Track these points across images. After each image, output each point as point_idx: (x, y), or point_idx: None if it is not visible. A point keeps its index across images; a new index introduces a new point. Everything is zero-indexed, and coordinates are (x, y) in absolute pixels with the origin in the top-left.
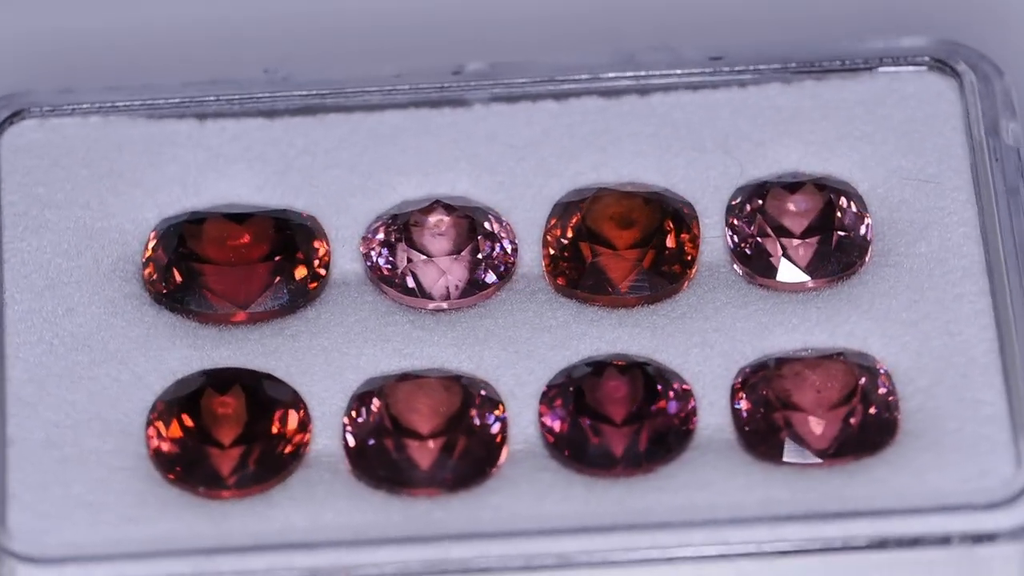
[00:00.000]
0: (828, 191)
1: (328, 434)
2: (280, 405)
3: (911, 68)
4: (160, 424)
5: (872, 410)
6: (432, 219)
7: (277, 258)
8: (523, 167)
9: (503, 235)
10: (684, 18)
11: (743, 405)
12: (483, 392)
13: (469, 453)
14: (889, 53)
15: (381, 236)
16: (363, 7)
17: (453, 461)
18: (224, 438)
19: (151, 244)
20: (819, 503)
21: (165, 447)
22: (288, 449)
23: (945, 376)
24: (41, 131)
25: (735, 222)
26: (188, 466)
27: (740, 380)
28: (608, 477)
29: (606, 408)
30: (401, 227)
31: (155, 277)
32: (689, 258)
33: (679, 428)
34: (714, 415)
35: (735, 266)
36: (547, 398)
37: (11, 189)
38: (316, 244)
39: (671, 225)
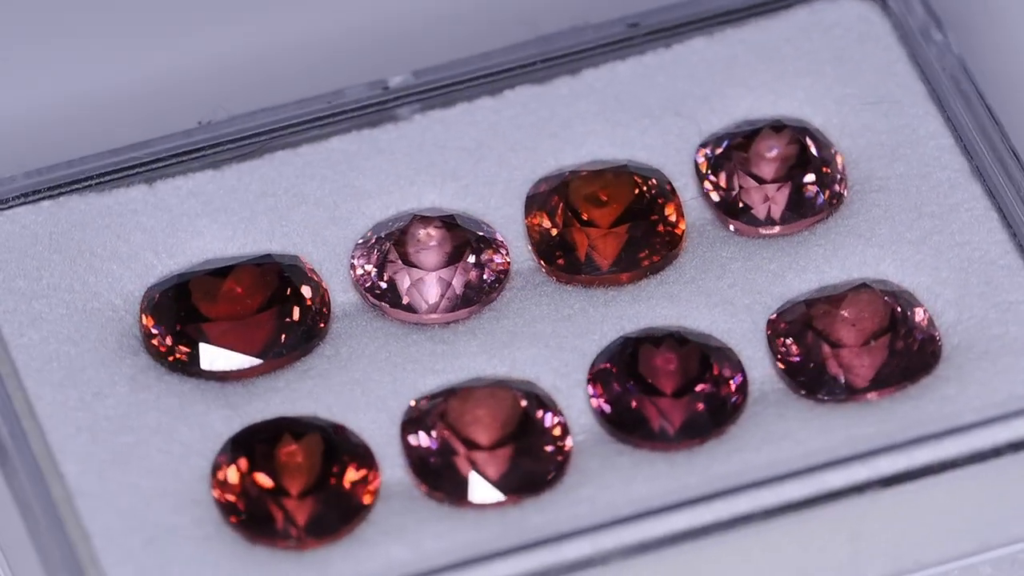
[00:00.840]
0: (792, 131)
1: (388, 463)
2: (347, 452)
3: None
4: (227, 478)
5: (913, 332)
6: (421, 233)
7: (278, 304)
8: (483, 167)
9: (492, 237)
10: None
11: (784, 352)
12: (537, 393)
13: (538, 455)
14: None
15: (370, 260)
16: (273, 43)
17: (524, 465)
18: (293, 488)
19: (145, 318)
20: (898, 432)
21: (233, 500)
22: (358, 496)
23: (970, 285)
24: None
25: (713, 179)
26: (256, 519)
27: (772, 330)
28: (673, 449)
29: (659, 381)
30: (389, 247)
31: (163, 349)
32: (677, 223)
33: (733, 393)
34: (755, 368)
35: (728, 223)
36: (596, 381)
37: None
38: (311, 282)
39: (650, 194)
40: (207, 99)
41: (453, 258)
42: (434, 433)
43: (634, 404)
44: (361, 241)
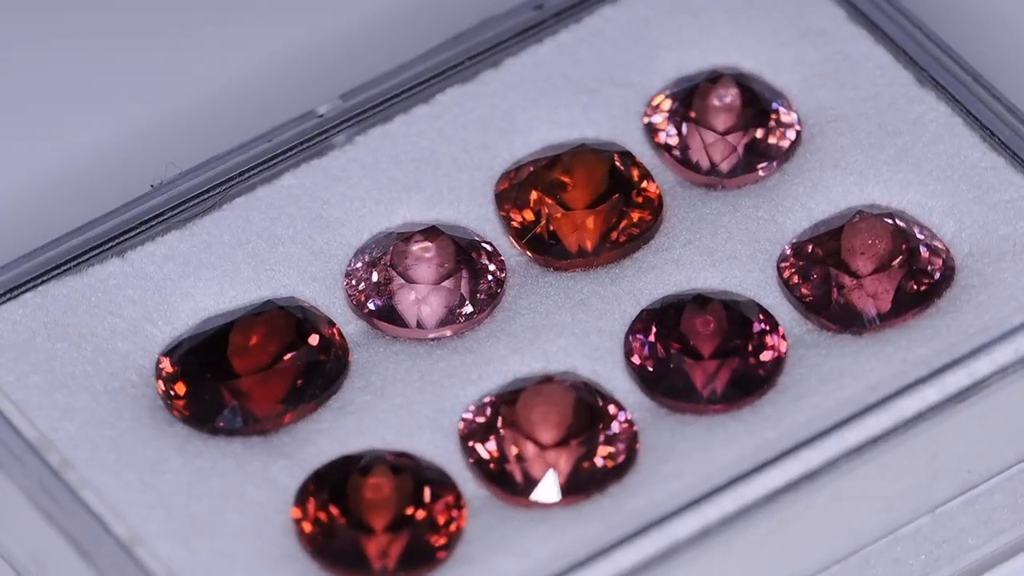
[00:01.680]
0: (733, 79)
1: (459, 477)
2: (430, 484)
3: None
4: (310, 512)
5: (921, 248)
6: (414, 248)
7: (296, 347)
8: (442, 174)
9: (481, 240)
10: None
11: (805, 294)
12: (584, 381)
13: (609, 441)
14: None
15: (367, 285)
16: (194, 94)
17: (598, 453)
18: (376, 523)
19: (165, 387)
20: (951, 347)
21: (315, 535)
22: (443, 529)
23: (960, 192)
24: None
25: (669, 138)
26: (347, 558)
27: (786, 275)
28: (724, 411)
29: (699, 343)
30: (384, 268)
31: (196, 418)
32: (650, 188)
33: (776, 345)
34: (780, 315)
35: (697, 179)
36: (636, 347)
37: (12, 389)
38: (321, 318)
39: (616, 166)
40: (150, 160)
41: (452, 268)
42: (499, 440)
43: (674, 367)
44: (350, 269)
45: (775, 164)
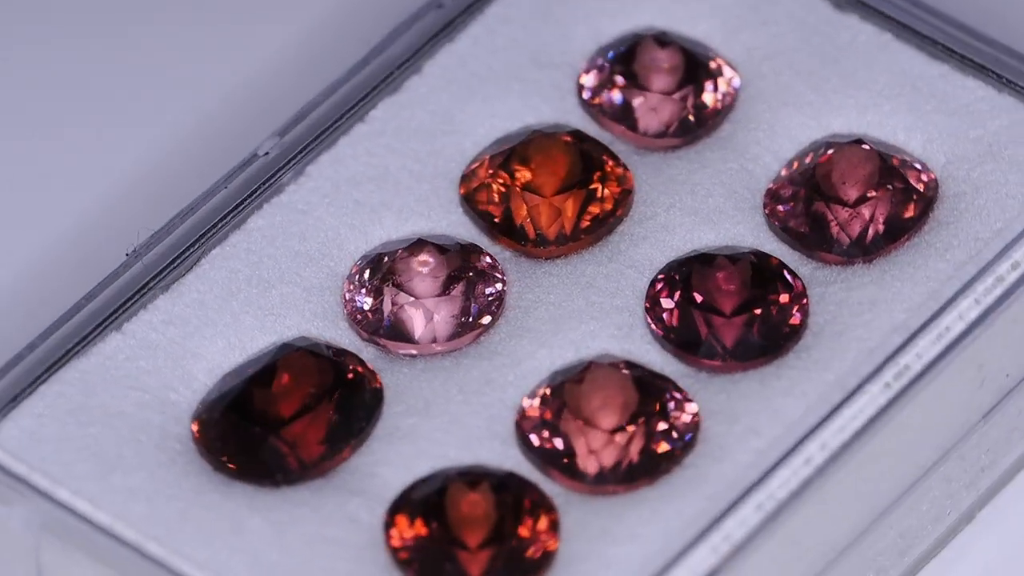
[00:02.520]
0: (657, 38)
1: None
2: (528, 502)
3: None
4: (402, 527)
5: (903, 168)
6: (412, 264)
7: (333, 386)
8: (405, 187)
9: (469, 245)
10: None
11: (803, 232)
12: (626, 359)
13: (679, 409)
14: None
15: (373, 309)
16: (144, 154)
17: (667, 425)
18: (471, 540)
19: (210, 451)
20: (968, 262)
21: (410, 554)
22: (538, 551)
23: (932, 118)
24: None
25: (623, 106)
26: (431, 570)
27: (775, 216)
28: (758, 367)
29: (722, 301)
30: (385, 288)
31: (253, 474)
32: (617, 162)
33: (797, 298)
34: (784, 256)
35: (661, 145)
36: (655, 311)
37: (66, 480)
38: (341, 351)
39: (574, 145)
40: (110, 231)
41: (455, 276)
42: (564, 434)
43: (702, 329)
44: (348, 297)
45: (724, 115)
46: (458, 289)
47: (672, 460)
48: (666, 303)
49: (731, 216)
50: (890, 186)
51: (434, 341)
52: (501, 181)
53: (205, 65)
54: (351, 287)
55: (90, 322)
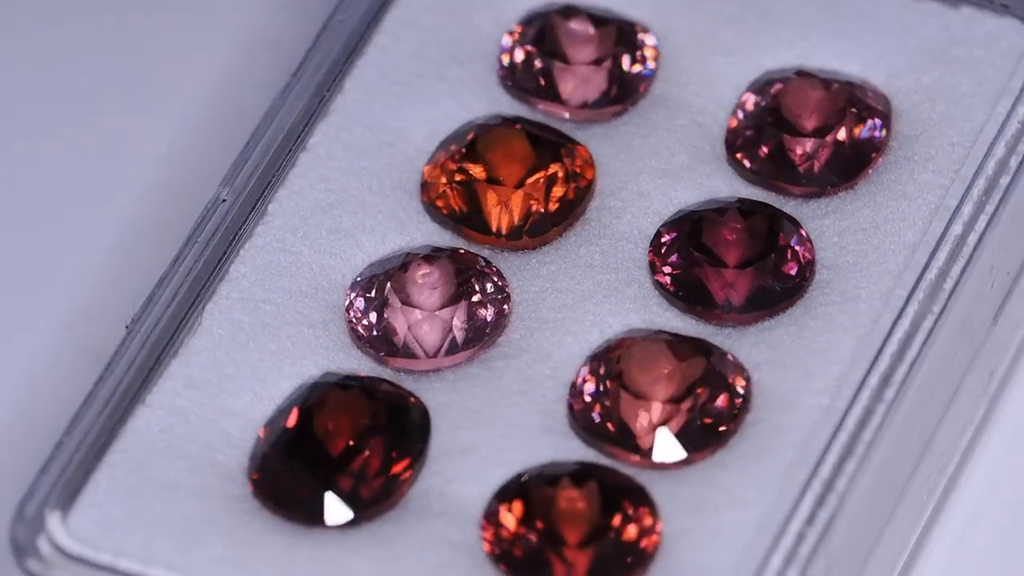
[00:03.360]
0: (578, 10)
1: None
2: (630, 501)
3: None
4: (501, 527)
5: (862, 94)
6: (417, 276)
7: (381, 415)
8: (369, 205)
9: (461, 250)
10: None
11: (763, 167)
12: (663, 330)
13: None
14: None
15: (383, 331)
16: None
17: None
18: (571, 537)
19: (279, 504)
20: (960, 166)
21: (506, 551)
22: (641, 539)
23: (886, 51)
24: None
25: (547, 84)
26: (530, 567)
27: (741, 160)
28: (770, 316)
29: (726, 254)
30: (395, 310)
31: (330, 516)
32: (573, 142)
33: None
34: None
35: (598, 115)
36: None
37: (149, 557)
38: (375, 380)
39: (527, 131)
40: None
41: (460, 281)
42: (622, 415)
43: (710, 285)
44: (353, 326)
45: (654, 76)
46: (464, 294)
47: (737, 419)
48: (671, 267)
49: (700, 170)
50: (847, 109)
51: (456, 350)
52: (460, 180)
53: (137, 127)
54: (355, 316)
55: (114, 402)
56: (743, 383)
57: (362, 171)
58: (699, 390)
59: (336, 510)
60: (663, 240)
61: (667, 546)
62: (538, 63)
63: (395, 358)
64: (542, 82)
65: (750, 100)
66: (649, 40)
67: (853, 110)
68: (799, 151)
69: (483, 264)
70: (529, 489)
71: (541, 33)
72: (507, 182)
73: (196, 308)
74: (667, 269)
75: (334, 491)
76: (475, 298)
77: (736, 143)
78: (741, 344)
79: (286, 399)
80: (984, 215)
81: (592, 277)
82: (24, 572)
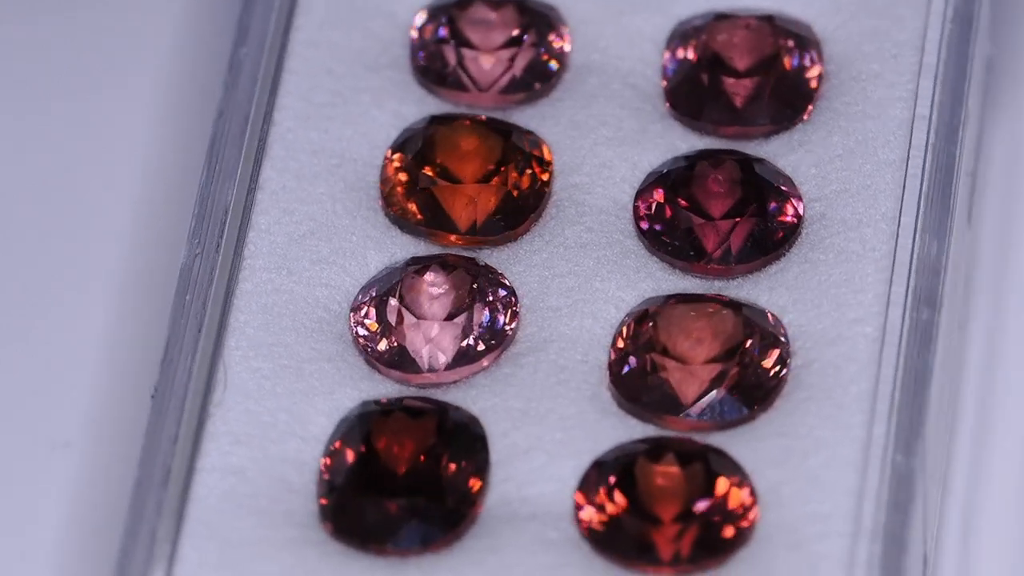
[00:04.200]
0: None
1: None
2: (726, 477)
3: None
4: (595, 504)
5: (790, 29)
6: (424, 287)
7: (438, 435)
8: (342, 228)
9: (453, 255)
10: None
11: (711, 115)
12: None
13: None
14: None
15: (401, 349)
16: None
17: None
18: (664, 514)
19: (354, 535)
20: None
21: (599, 526)
22: (734, 527)
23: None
24: None
25: (460, 74)
26: (625, 546)
27: (676, 108)
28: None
29: (711, 205)
30: (411, 322)
31: (414, 543)
32: (526, 130)
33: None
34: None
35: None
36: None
37: None
38: (415, 399)
39: (476, 124)
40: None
41: (470, 285)
42: (668, 385)
43: (698, 233)
44: (369, 350)
45: (570, 48)
46: (472, 298)
47: (787, 364)
48: (663, 227)
49: (652, 131)
50: (776, 42)
51: (478, 356)
52: (422, 188)
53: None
54: (367, 342)
55: (173, 476)
56: (781, 328)
57: (321, 197)
58: (744, 343)
59: (427, 533)
60: (648, 205)
61: (768, 502)
62: (451, 58)
63: (419, 375)
64: (460, 75)
65: (678, 52)
66: (554, 13)
67: (782, 42)
68: (741, 93)
69: (480, 263)
70: (621, 469)
71: (446, 27)
72: (468, 179)
73: (214, 365)
74: (659, 227)
75: (419, 516)
76: (485, 299)
77: (677, 98)
78: (759, 292)
79: (333, 435)
80: (957, 120)
81: (589, 255)
82: None
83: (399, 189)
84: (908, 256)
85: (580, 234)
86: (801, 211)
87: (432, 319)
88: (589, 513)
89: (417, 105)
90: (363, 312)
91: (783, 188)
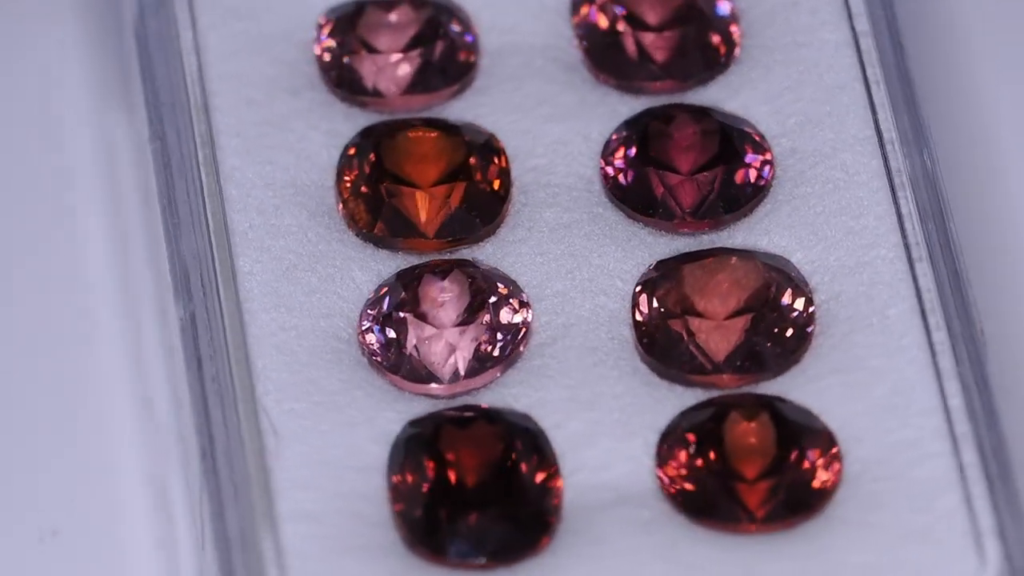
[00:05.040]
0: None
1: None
2: (809, 435)
3: None
4: (678, 463)
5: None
6: (433, 295)
7: (507, 438)
8: (321, 250)
9: (448, 261)
10: None
11: (628, 80)
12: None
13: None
14: None
15: (423, 363)
16: None
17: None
18: (748, 472)
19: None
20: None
21: (683, 486)
22: (817, 484)
23: None
24: None
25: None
26: (708, 505)
27: (606, 70)
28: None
29: (675, 161)
30: (436, 337)
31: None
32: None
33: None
34: None
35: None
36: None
37: None
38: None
39: (419, 130)
40: None
41: (480, 285)
42: (707, 344)
43: (671, 191)
44: (403, 373)
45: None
46: (482, 296)
47: (813, 303)
48: (637, 189)
49: (591, 99)
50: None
51: (506, 353)
52: (388, 202)
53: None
54: (386, 362)
55: (254, 530)
56: (794, 268)
57: (291, 228)
58: (768, 289)
59: (518, 538)
60: (618, 174)
61: (846, 438)
62: (361, 68)
63: (450, 385)
64: (376, 82)
65: (588, 17)
66: (451, 3)
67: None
68: (661, 46)
69: (472, 261)
70: (701, 428)
71: (347, 38)
72: (427, 183)
73: (258, 417)
74: (635, 193)
75: (507, 521)
76: (492, 296)
77: (601, 64)
78: (755, 238)
79: (392, 461)
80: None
81: (576, 234)
82: None
83: (360, 208)
84: (900, 170)
85: (559, 215)
86: (772, 149)
87: (447, 326)
88: (677, 483)
89: (347, 121)
90: (372, 336)
91: (747, 130)
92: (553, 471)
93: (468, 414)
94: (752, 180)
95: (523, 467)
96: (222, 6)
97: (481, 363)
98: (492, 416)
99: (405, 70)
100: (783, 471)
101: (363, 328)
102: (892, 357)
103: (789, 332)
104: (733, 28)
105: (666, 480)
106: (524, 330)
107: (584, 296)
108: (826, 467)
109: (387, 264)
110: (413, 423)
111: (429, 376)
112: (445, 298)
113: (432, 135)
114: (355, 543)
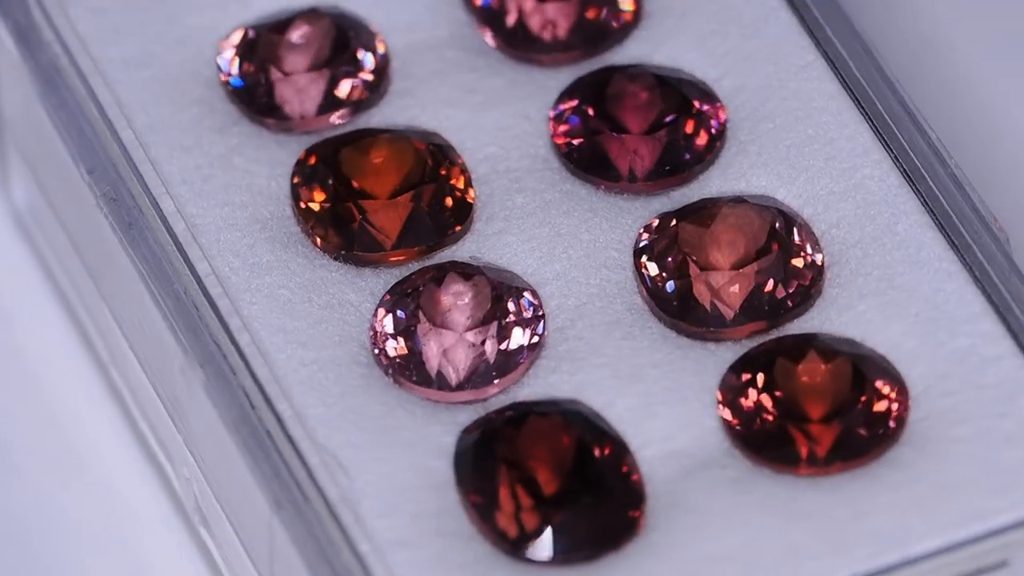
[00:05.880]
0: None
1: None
2: (876, 376)
3: None
4: (741, 401)
5: None
6: (444, 301)
7: (568, 426)
8: (306, 278)
9: (443, 264)
10: None
11: (542, 57)
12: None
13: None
14: None
15: (459, 363)
16: None
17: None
18: (813, 412)
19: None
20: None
21: (743, 425)
22: (885, 410)
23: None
24: None
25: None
26: (769, 444)
27: (518, 46)
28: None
29: (627, 122)
30: (457, 342)
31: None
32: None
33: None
34: None
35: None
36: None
37: None
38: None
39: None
40: None
41: (493, 286)
42: (724, 297)
43: (605, 145)
44: (398, 369)
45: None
46: (499, 299)
47: (818, 245)
48: (598, 159)
49: (520, 80)
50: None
51: (532, 344)
52: (361, 219)
53: None
54: (414, 381)
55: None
56: (785, 205)
57: (272, 264)
58: (769, 230)
59: (617, 525)
60: (577, 148)
61: (901, 358)
62: (285, 94)
63: (486, 387)
64: (296, 105)
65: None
66: (348, 12)
67: None
68: (565, 14)
69: (464, 261)
70: (771, 364)
71: (253, 67)
72: (388, 193)
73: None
74: (581, 152)
75: (601, 510)
76: (503, 293)
77: (513, 47)
78: (731, 183)
79: (460, 475)
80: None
81: (556, 213)
82: None
83: (330, 233)
84: (858, 85)
85: (530, 199)
86: (716, 92)
87: (464, 330)
88: (752, 427)
89: (280, 147)
90: (392, 355)
91: (686, 78)
92: (623, 449)
93: (517, 413)
94: (709, 125)
95: (595, 451)
96: (120, 59)
97: (508, 359)
98: (542, 409)
99: (321, 87)
100: (852, 408)
101: (381, 349)
102: (917, 270)
103: (806, 275)
104: None
105: (737, 432)
106: (542, 319)
107: (586, 273)
108: (894, 393)
109: (374, 281)
110: (467, 431)
111: (460, 384)
112: (454, 303)
113: (381, 146)
114: (461, 559)
